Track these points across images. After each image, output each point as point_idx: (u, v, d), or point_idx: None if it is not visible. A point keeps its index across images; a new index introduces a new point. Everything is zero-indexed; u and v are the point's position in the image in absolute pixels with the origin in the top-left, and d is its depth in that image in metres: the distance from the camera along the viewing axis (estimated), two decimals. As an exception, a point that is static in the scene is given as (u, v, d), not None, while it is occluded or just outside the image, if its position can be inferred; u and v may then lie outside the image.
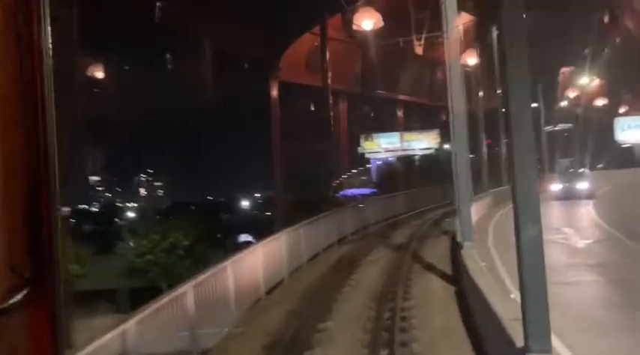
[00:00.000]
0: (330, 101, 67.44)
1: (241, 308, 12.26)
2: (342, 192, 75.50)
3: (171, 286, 24.00)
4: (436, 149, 63.01)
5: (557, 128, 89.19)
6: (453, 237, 19.12)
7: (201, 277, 10.64)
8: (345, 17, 67.17)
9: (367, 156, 66.52)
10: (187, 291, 9.75)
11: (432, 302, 12.56)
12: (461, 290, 12.36)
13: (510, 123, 5.07)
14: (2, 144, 1.10)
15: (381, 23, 66.61)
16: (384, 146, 63.93)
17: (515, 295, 8.61)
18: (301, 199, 32.07)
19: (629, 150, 60.02)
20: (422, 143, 63.28)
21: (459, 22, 61.88)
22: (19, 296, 1.10)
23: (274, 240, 15.83)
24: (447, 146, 70.14)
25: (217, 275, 11.83)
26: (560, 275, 12.03)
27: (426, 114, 70.41)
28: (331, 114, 68.32)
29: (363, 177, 71.69)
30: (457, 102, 15.51)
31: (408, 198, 33.87)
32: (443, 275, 14.72)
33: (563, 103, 64.88)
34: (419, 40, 67.12)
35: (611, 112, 66.84)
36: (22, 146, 1.14)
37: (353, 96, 70.78)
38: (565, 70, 79.12)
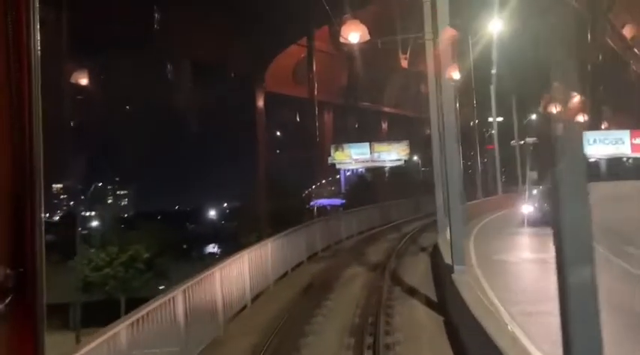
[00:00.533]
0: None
1: (192, 346, 9.94)
2: (311, 203, 72.38)
3: (130, 300, 22.68)
4: (405, 160, 62.34)
5: (523, 142, 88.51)
6: (431, 254, 17.77)
7: (144, 310, 8.39)
8: (332, 29, 65.94)
9: (338, 166, 65.01)
10: (121, 330, 7.53)
11: (420, 336, 10.45)
12: (450, 321, 10.30)
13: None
14: None
15: (368, 36, 65.46)
16: (354, 157, 62.61)
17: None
18: (271, 209, 29.84)
19: (596, 164, 59.46)
20: (391, 154, 62.00)
21: (444, 36, 60.68)
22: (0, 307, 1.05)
23: (236, 260, 13.24)
24: (415, 158, 68.19)
25: (165, 306, 9.59)
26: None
27: (410, 127, 68.94)
28: (317, 124, 66.82)
29: (332, 188, 70.40)
30: (448, 113, 13.74)
31: (381, 210, 30.99)
32: (428, 302, 12.70)
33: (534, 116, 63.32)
34: (404, 53, 65.63)
35: (591, 128, 65.65)
36: (7, 153, 1.08)
37: (338, 107, 69.02)
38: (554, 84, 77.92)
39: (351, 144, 63.38)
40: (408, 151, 62.28)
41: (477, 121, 52.35)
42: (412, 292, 13.75)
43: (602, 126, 70.00)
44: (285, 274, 16.66)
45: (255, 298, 14.01)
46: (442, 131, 14.10)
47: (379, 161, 61.82)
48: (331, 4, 54.24)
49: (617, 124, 68.65)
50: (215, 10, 55.57)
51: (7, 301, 1.07)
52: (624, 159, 59.53)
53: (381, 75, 65.09)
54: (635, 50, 70.39)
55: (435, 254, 16.29)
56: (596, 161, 58.26)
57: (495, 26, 28.66)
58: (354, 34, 68.11)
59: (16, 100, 1.10)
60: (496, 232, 22.30)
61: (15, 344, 1.09)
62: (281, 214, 29.31)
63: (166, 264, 24.71)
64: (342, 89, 69.28)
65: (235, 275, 13.00)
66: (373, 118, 72.26)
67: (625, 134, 58.06)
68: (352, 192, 42.80)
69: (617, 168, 57.67)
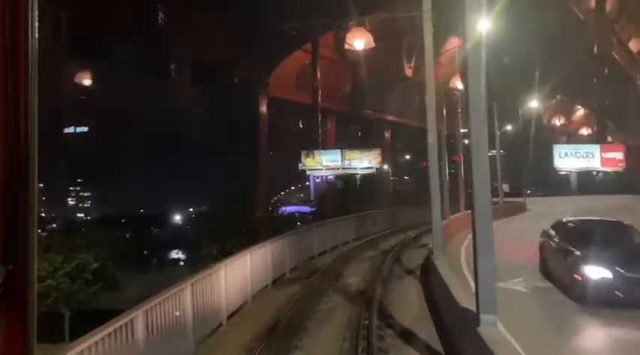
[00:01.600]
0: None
1: None
2: (280, 210, 72.31)
3: (74, 313, 20.99)
4: (376, 169, 59.88)
5: (489, 154, 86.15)
6: (423, 281, 13.96)
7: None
8: (337, 36, 64.74)
9: (308, 173, 61.80)
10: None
11: None
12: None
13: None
14: None
15: (373, 44, 64.24)
16: (325, 163, 59.82)
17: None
18: (236, 216, 26.70)
19: (566, 177, 58.07)
20: (363, 162, 59.39)
21: (449, 46, 59.25)
22: None
23: (175, 293, 8.70)
24: (385, 167, 66.16)
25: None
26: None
27: (413, 136, 67.12)
28: (319, 131, 65.47)
29: (302, 195, 67.44)
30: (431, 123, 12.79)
31: (355, 222, 26.24)
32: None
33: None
34: (409, 62, 64.23)
35: (598, 141, 64.19)
36: (1, 150, 1.08)
37: (341, 114, 67.61)
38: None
39: (322, 151, 60.94)
40: (379, 159, 60.05)
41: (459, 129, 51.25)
42: (408, 338, 9.46)
43: (608, 139, 68.61)
44: (243, 306, 12.24)
45: (201, 343, 9.48)
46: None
47: (350, 168, 59.11)
48: (337, 11, 53.16)
49: (621, 138, 67.22)
50: (221, 15, 54.41)
51: None
52: (594, 172, 58.76)
53: (384, 83, 63.66)
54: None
55: (429, 282, 13.32)
56: (566, 174, 57.20)
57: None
58: (359, 41, 67.04)
59: (11, 98, 1.06)
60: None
61: (5, 339, 1.05)
62: (245, 222, 26.53)
63: (118, 274, 22.82)
64: (345, 96, 67.87)
65: (167, 320, 8.16)
66: (376, 126, 70.77)
67: (595, 148, 57.81)
68: (322, 199, 40.22)
69: (587, 182, 57.05)
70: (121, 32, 48.12)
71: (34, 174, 1.12)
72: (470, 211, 7.50)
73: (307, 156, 60.55)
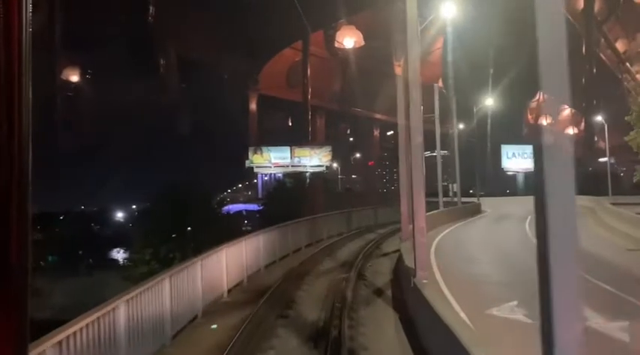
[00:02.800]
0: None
1: None
2: (226, 208, 70.31)
3: None
4: (326, 167, 58.43)
5: (433, 154, 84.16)
6: (397, 307, 10.59)
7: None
8: (327, 34, 63.60)
9: (255, 170, 60.14)
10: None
11: None
12: None
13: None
14: None
15: (362, 42, 63.16)
16: (273, 161, 58.15)
17: None
18: (174, 214, 23.46)
19: (513, 178, 57.08)
20: (313, 160, 57.89)
21: (437, 46, 58.13)
22: None
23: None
24: (335, 165, 65.14)
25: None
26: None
27: (512, 130, 66.38)
28: (309, 129, 64.39)
29: (249, 192, 66.46)
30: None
31: (308, 226, 21.60)
32: None
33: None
34: (397, 60, 63.14)
35: (585, 141, 63.41)
36: None
37: (331, 112, 66.55)
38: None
39: (270, 147, 58.80)
40: (330, 157, 58.61)
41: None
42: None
43: (595, 139, 67.78)
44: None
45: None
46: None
47: (300, 166, 57.19)
48: (326, 9, 51.88)
49: (608, 138, 66.44)
50: (211, 10, 53.10)
51: None
52: None
53: (374, 81, 62.70)
54: (628, 64, 68.14)
55: (407, 309, 9.96)
56: (513, 175, 56.33)
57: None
58: (349, 40, 65.27)
59: (4, 96, 1.05)
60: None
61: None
62: (184, 223, 23.69)
63: (39, 279, 21.12)
64: (335, 94, 66.79)
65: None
66: (365, 124, 69.81)
67: None
68: (270, 198, 37.86)
69: (533, 182, 55.51)
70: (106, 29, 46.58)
71: (27, 173, 1.09)
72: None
73: (255, 152, 58.59)
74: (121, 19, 46.25)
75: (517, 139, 56.40)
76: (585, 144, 63.77)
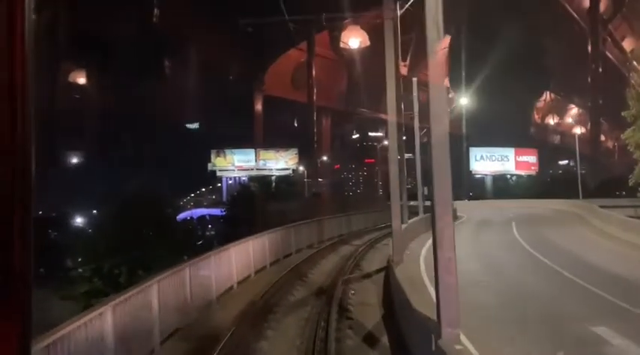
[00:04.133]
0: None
1: None
2: (187, 212, 61.22)
3: None
4: (293, 170, 55.28)
5: (399, 157, 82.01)
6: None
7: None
8: (333, 34, 62.67)
9: (219, 174, 56.42)
10: None
11: None
12: None
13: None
14: None
15: (368, 42, 62.08)
16: (237, 164, 54.99)
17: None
18: (125, 225, 20.00)
19: (482, 180, 55.26)
20: (279, 163, 54.96)
21: (443, 45, 57.16)
22: None
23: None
24: (301, 168, 59.66)
25: None
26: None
27: (408, 133, 65.01)
28: (314, 130, 63.45)
29: (213, 197, 62.65)
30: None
31: (274, 239, 16.35)
32: None
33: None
34: (404, 60, 62.17)
35: (592, 141, 62.12)
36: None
37: (337, 113, 65.52)
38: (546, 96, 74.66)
39: (234, 150, 55.42)
40: (296, 160, 55.62)
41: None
42: None
43: (602, 138, 66.62)
44: None
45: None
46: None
47: (265, 169, 53.97)
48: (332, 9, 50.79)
49: (614, 138, 65.23)
50: (217, 12, 52.20)
51: None
52: (508, 176, 56.79)
53: (379, 81, 61.45)
54: (635, 63, 66.54)
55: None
56: (482, 177, 54.66)
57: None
58: (354, 40, 63.77)
59: (6, 93, 1.04)
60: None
61: (1, 337, 1.02)
62: (132, 234, 19.73)
63: None
64: (341, 95, 65.78)
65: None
66: (371, 125, 68.74)
67: (510, 151, 55.93)
68: (234, 203, 35.42)
69: (501, 186, 54.30)
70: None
71: (31, 172, 1.07)
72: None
73: (218, 155, 55.49)
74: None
75: (486, 141, 55.17)
76: (592, 144, 62.45)
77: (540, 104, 75.51)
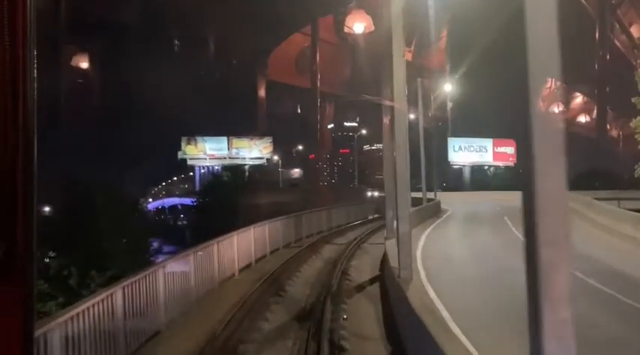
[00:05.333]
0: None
1: None
2: (159, 202, 60.06)
3: None
4: (267, 159, 52.48)
5: (373, 148, 78.45)
6: None
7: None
8: (337, 19, 60.48)
9: (189, 162, 52.92)
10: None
11: None
12: None
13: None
14: None
15: (372, 27, 59.89)
16: (209, 152, 51.70)
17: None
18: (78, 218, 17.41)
19: (460, 172, 53.09)
20: (252, 151, 51.89)
21: (443, 34, 54.66)
22: None
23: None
24: (276, 157, 56.80)
25: None
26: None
27: (412, 121, 63.18)
28: (318, 117, 61.68)
29: (186, 186, 59.23)
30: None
31: (246, 240, 12.88)
32: None
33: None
34: (408, 46, 60.09)
35: (598, 130, 60.04)
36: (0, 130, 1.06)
37: (340, 99, 63.61)
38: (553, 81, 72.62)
39: (205, 137, 51.95)
40: (270, 149, 52.63)
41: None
42: None
43: (607, 127, 64.54)
44: None
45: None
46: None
47: (238, 158, 51.03)
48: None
49: (618, 127, 63.21)
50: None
51: None
52: (486, 167, 55.13)
53: (384, 67, 59.50)
54: (643, 50, 63.99)
55: None
56: (460, 168, 52.61)
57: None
58: (358, 24, 61.19)
59: (9, 76, 1.02)
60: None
61: (4, 314, 1.01)
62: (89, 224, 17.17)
63: None
64: (345, 81, 63.83)
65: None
66: (376, 112, 66.83)
67: (488, 142, 54.21)
68: (205, 193, 34.03)
69: (479, 177, 52.66)
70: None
71: (33, 150, 1.04)
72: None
73: (188, 142, 51.89)
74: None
75: (465, 132, 53.23)
76: (598, 132, 60.43)
77: (545, 92, 73.21)
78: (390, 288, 8.85)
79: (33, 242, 1.06)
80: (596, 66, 58.96)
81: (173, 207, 50.71)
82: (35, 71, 1.08)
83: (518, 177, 51.12)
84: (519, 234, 16.28)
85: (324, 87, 60.73)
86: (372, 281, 10.80)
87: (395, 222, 11.75)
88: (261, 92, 60.84)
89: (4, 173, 1.03)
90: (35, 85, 1.07)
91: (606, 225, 16.81)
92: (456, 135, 52.86)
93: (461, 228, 19.43)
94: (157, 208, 57.74)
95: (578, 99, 75.79)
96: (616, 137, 66.65)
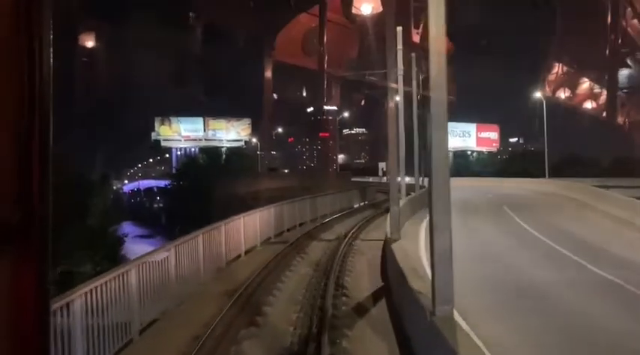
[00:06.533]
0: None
1: None
2: (135, 184, 56.93)
3: None
4: (245, 142, 48.43)
5: (352, 132, 74.29)
6: None
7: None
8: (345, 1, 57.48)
9: (163, 144, 48.54)
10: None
11: None
12: None
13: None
14: None
15: (380, 8, 56.77)
16: (184, 133, 47.50)
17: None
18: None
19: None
20: (230, 133, 47.90)
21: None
22: (4, 244, 0.94)
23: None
24: (254, 140, 51.90)
25: None
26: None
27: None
28: (324, 99, 58.97)
29: (162, 168, 55.30)
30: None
31: (217, 236, 9.22)
32: None
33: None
34: (416, 28, 56.91)
35: (607, 116, 57.07)
36: (16, 90, 0.98)
37: (346, 81, 60.67)
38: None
39: (180, 118, 47.73)
40: (249, 131, 48.77)
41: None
42: None
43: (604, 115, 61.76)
44: None
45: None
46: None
47: (215, 140, 47.14)
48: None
49: (625, 113, 60.17)
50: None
51: (11, 241, 0.94)
52: (468, 152, 52.56)
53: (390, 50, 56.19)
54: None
55: None
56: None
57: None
58: (366, 5, 57.40)
59: (25, 44, 0.96)
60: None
61: (19, 286, 0.94)
62: None
63: None
64: (352, 62, 60.85)
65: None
66: (382, 94, 63.80)
67: (472, 127, 51.68)
68: (179, 176, 31.48)
69: (462, 162, 49.33)
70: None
71: (48, 118, 0.98)
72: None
73: (162, 123, 47.60)
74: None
75: (450, 116, 50.38)
76: (607, 118, 57.38)
77: (552, 77, 69.70)
78: (417, 333, 5.24)
79: (49, 207, 0.98)
80: (608, 51, 55.70)
81: (149, 190, 47.85)
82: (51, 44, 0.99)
83: (500, 163, 48.30)
84: (530, 229, 13.25)
85: (330, 68, 57.94)
86: (374, 298, 7.41)
87: (401, 220, 9.42)
88: (268, 73, 58.05)
89: (20, 138, 0.94)
90: (51, 50, 0.98)
91: (627, 220, 14.01)
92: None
93: (460, 221, 13.76)
94: (133, 190, 55.55)
95: (585, 85, 72.33)
96: (622, 124, 63.59)
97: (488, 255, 10.26)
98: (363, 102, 66.79)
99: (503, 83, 52.04)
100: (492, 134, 51.55)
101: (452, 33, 47.63)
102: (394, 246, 7.86)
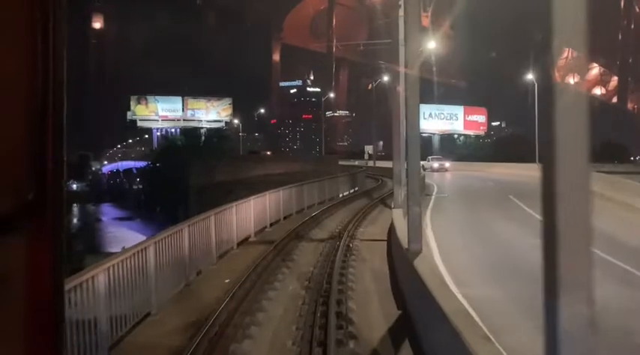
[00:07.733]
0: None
1: None
2: (114, 165, 54.15)
3: None
4: (226, 123, 45.29)
5: (336, 114, 70.83)
6: None
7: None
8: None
9: (139, 124, 45.31)
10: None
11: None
12: None
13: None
14: (5, 61, 0.88)
15: (389, -9, 53.80)
16: (161, 113, 44.43)
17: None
18: None
19: (429, 140, 46.81)
20: (210, 114, 44.97)
21: None
22: (19, 219, 0.90)
23: None
24: (236, 121, 48.47)
25: None
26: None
27: (425, 88, 56.98)
28: (333, 83, 56.40)
29: (142, 149, 52.36)
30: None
31: (192, 233, 6.86)
32: None
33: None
34: (425, 11, 53.87)
35: (618, 103, 54.02)
36: (32, 61, 0.92)
37: (355, 64, 58.14)
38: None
39: (157, 97, 44.51)
40: (230, 112, 45.68)
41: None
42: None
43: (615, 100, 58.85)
44: None
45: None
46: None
47: (194, 120, 44.26)
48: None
49: (635, 98, 57.07)
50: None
51: (26, 215, 0.90)
52: (455, 136, 49.72)
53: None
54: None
55: None
56: (429, 136, 47.20)
57: None
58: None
59: (40, 39, 0.90)
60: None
61: (33, 260, 0.91)
62: None
63: None
64: (360, 46, 58.07)
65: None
66: (390, 78, 61.27)
67: (459, 109, 48.84)
68: (157, 158, 29.54)
69: (449, 146, 46.61)
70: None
71: (62, 90, 0.92)
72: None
73: (138, 102, 44.34)
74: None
75: (435, 98, 47.63)
76: (617, 104, 54.30)
77: (561, 62, 66.50)
78: None
79: (63, 184, 0.97)
80: (620, 36, 52.38)
81: (128, 171, 45.32)
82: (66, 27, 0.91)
83: (489, 147, 45.44)
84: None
85: (338, 52, 55.38)
86: (391, 334, 4.94)
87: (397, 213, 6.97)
88: (276, 56, 55.56)
89: (35, 115, 0.90)
90: (66, 41, 0.90)
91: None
92: (426, 102, 46.57)
93: (467, 218, 11.89)
94: (112, 171, 53.79)
95: (594, 70, 69.01)
96: (631, 109, 60.60)
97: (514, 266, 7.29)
98: (370, 86, 64.27)
99: (489, 65, 49.08)
100: (480, 117, 48.83)
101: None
102: (418, 264, 5.33)
